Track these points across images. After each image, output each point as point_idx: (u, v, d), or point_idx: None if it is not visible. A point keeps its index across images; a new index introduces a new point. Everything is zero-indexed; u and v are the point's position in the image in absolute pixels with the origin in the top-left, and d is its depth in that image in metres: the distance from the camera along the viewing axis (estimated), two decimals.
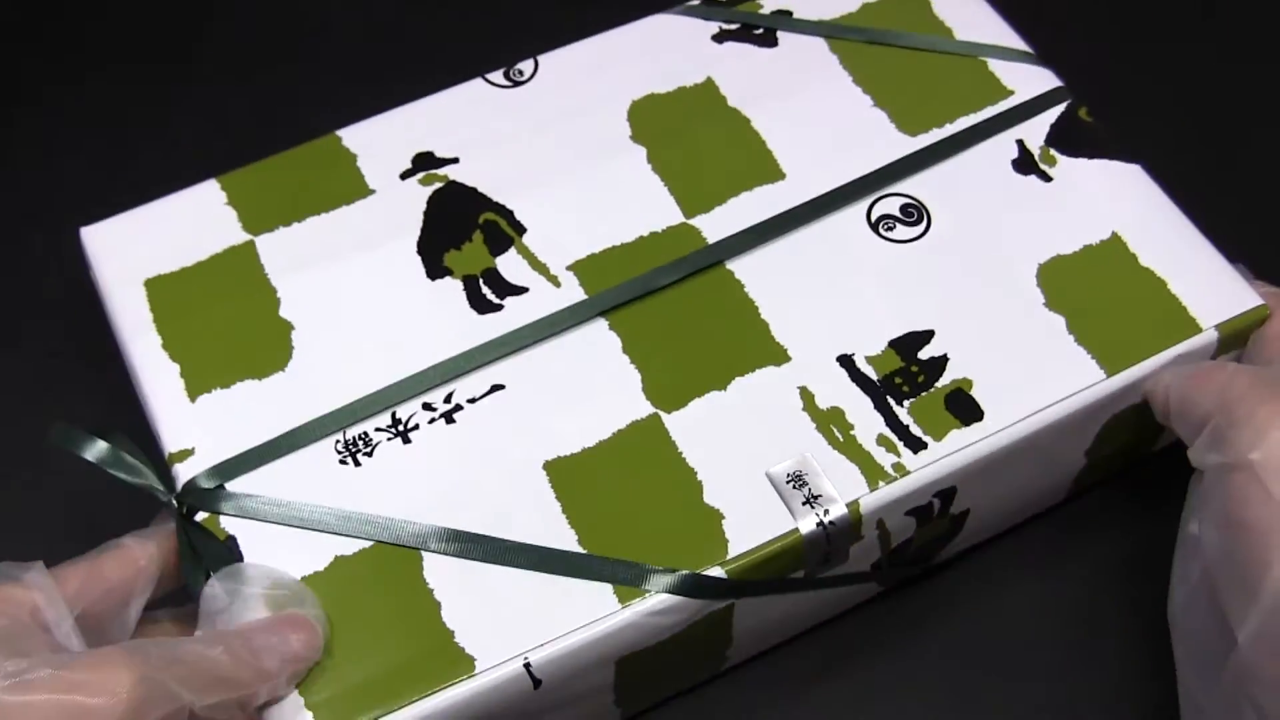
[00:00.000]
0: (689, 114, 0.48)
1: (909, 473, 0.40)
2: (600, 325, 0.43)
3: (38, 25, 0.60)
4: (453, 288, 0.44)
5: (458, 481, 0.40)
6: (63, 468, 0.48)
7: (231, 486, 0.40)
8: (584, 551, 0.38)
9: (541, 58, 0.50)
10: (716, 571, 0.38)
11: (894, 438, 0.40)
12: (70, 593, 0.36)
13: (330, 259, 0.45)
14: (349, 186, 0.47)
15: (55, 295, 0.53)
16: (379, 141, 0.48)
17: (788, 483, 0.39)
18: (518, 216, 0.46)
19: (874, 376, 0.42)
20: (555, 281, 0.44)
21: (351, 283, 0.44)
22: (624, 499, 0.40)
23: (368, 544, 0.39)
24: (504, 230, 0.45)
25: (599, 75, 0.49)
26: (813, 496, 0.39)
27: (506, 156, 0.47)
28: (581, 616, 0.37)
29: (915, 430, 0.40)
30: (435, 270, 0.45)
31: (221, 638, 0.35)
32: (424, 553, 0.39)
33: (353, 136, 0.48)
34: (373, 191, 0.46)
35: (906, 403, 0.41)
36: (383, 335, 0.43)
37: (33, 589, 0.35)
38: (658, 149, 0.47)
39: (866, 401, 0.41)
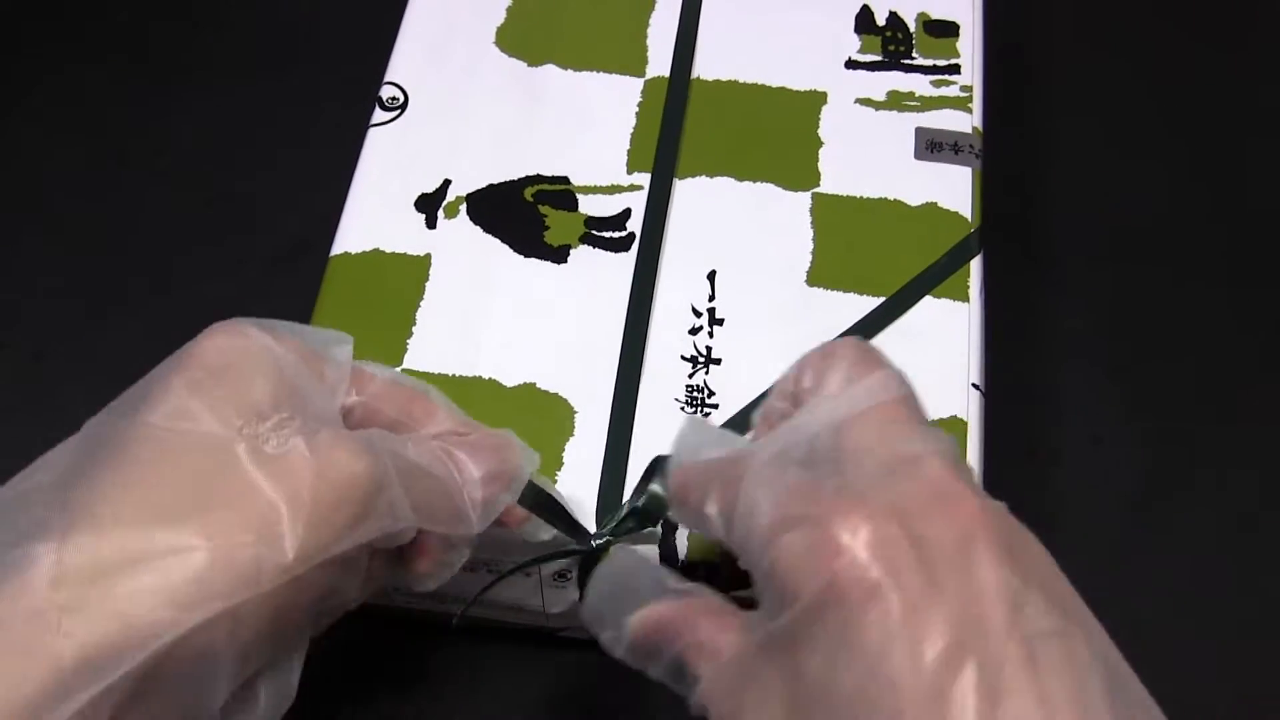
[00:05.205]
0: None
1: None
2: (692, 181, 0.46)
3: (37, 24, 0.60)
4: (580, 258, 0.44)
5: None
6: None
7: None
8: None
9: None
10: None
11: None
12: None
13: None
14: None
15: (52, 294, 0.53)
16: None
17: None
18: (547, 175, 0.46)
19: None
20: (632, 188, 0.46)
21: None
22: None
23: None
24: (556, 192, 0.46)
25: None
26: None
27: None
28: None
29: None
30: (560, 256, 0.44)
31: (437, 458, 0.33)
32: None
33: None
34: None
35: None
36: (556, 335, 0.43)
37: (332, 366, 0.33)
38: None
39: None
